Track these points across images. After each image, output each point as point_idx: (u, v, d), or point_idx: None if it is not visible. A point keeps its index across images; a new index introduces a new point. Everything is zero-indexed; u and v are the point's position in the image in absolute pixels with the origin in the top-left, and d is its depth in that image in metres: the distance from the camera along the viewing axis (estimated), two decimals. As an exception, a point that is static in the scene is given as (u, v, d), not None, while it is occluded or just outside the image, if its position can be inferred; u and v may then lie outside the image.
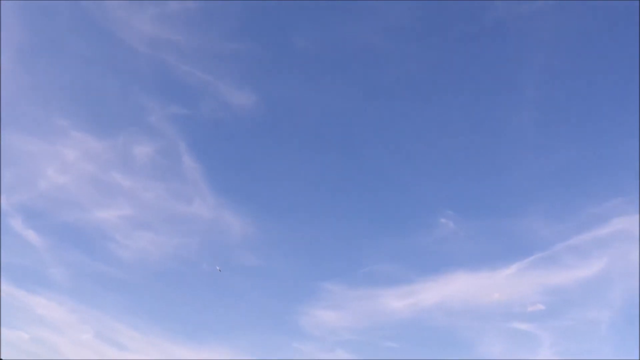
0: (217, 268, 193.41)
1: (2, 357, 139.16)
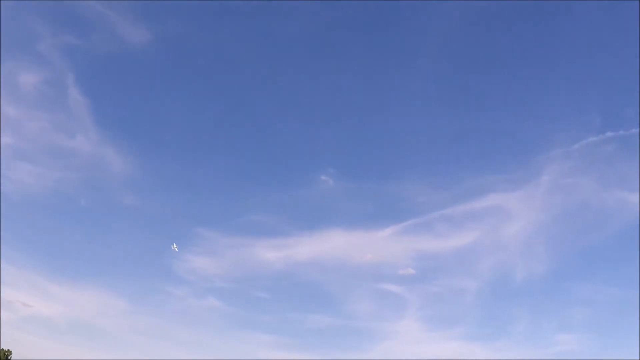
0: (174, 247, 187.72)
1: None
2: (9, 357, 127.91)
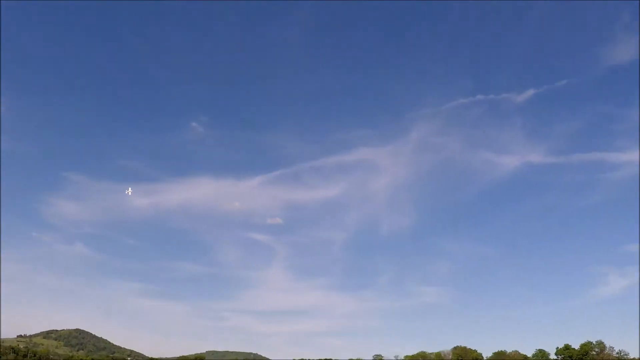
0: (128, 191, 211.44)
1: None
2: None
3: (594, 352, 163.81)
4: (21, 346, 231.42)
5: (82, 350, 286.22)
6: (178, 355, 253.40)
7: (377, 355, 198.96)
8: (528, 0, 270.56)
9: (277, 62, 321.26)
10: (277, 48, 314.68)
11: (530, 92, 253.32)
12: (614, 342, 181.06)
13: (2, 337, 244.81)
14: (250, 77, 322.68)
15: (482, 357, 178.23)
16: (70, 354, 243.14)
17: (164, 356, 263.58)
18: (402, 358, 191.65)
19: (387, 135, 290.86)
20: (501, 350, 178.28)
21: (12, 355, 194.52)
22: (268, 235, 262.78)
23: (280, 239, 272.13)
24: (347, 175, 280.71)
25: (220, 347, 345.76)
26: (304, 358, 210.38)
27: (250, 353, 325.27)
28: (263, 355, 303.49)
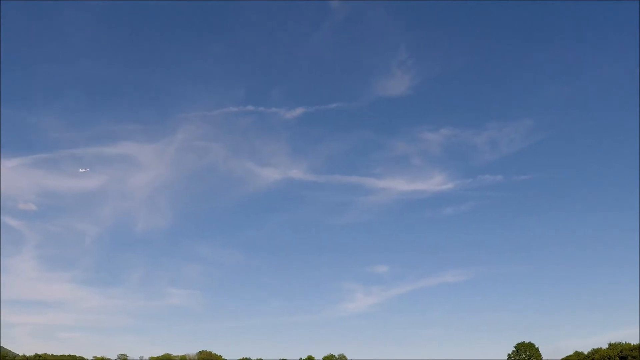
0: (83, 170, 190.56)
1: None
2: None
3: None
4: None
5: None
6: None
7: (121, 354, 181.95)
8: (317, 22, 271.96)
9: (57, 48, 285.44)
10: (63, 34, 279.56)
11: (301, 110, 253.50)
12: (356, 355, 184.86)
13: None
14: (23, 58, 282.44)
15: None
16: None
17: None
18: (147, 359, 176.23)
19: (153, 132, 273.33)
20: (246, 358, 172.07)
21: None
22: (19, 221, 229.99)
23: (32, 226, 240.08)
24: (108, 168, 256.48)
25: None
26: (47, 352, 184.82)
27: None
28: (6, 348, 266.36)
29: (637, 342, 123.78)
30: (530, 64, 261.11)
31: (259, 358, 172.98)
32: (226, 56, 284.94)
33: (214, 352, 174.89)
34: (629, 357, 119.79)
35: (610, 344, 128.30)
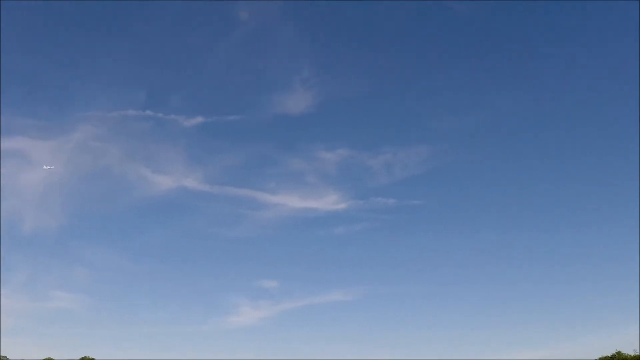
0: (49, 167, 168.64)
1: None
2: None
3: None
4: None
5: None
6: None
7: (3, 356, 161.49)
8: (226, 32, 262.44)
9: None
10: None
11: (200, 119, 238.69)
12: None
13: None
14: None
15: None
16: None
17: None
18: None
19: (49, 129, 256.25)
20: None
21: None
22: None
23: None
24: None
25: None
26: None
27: None
28: None
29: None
30: (430, 92, 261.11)
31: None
32: (129, 58, 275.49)
33: (96, 358, 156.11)
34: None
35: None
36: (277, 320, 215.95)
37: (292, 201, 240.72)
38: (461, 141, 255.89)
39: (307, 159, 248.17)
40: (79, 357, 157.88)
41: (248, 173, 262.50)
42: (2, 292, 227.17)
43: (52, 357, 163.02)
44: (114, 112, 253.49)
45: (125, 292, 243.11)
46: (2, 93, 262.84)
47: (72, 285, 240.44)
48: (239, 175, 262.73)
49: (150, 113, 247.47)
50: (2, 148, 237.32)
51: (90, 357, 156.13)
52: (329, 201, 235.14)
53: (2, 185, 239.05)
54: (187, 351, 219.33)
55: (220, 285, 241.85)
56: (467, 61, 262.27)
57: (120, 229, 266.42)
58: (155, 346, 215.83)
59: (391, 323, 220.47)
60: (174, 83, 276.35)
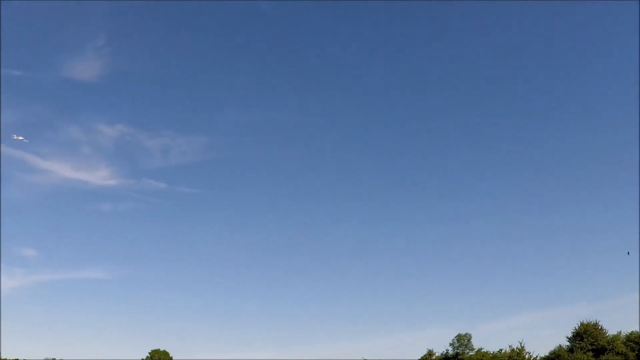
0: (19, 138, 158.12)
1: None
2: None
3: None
4: None
5: None
6: None
7: None
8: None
9: None
10: None
11: None
12: None
13: None
14: None
15: None
16: None
17: None
18: None
19: None
20: None
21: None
22: None
23: None
24: None
25: None
26: None
27: None
28: None
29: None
30: (222, 85, 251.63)
31: None
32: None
33: None
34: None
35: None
36: (32, 291, 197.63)
37: (64, 170, 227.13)
38: (243, 136, 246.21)
39: (85, 130, 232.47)
40: None
41: (21, 133, 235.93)
42: None
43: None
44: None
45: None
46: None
47: None
48: (10, 133, 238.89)
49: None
50: None
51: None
52: (100, 176, 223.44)
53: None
54: None
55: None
56: (264, 59, 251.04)
57: None
58: None
59: (147, 306, 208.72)
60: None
